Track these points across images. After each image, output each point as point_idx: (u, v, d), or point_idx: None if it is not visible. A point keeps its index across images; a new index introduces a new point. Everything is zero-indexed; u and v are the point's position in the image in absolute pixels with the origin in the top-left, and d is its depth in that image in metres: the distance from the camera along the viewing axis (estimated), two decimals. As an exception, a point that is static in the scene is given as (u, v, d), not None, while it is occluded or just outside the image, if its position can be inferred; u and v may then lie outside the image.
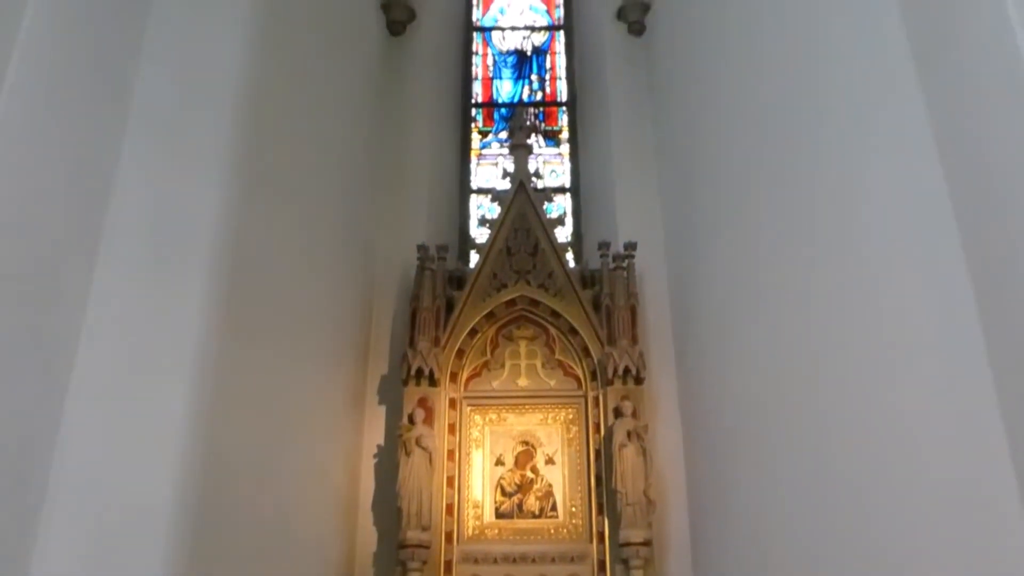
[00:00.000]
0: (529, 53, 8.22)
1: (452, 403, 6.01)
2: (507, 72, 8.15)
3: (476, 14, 8.40)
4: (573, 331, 6.17)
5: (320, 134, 6.00)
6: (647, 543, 5.46)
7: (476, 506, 5.86)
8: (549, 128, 7.85)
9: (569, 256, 6.55)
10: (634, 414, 5.72)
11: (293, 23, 5.72)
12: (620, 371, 5.85)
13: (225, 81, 4.81)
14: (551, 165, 7.65)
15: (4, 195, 3.45)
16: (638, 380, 5.87)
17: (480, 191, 7.53)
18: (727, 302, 5.80)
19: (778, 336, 5.08)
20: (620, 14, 7.60)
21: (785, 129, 5.35)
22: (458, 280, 6.40)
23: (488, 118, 7.97)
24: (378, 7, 7.49)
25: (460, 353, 6.12)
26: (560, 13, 8.38)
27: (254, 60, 5.04)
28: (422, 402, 5.84)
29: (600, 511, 5.71)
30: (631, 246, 6.38)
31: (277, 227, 5.11)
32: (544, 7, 8.45)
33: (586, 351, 6.10)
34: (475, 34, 8.31)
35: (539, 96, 8.06)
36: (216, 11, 4.97)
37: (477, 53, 8.23)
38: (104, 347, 3.88)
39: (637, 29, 7.55)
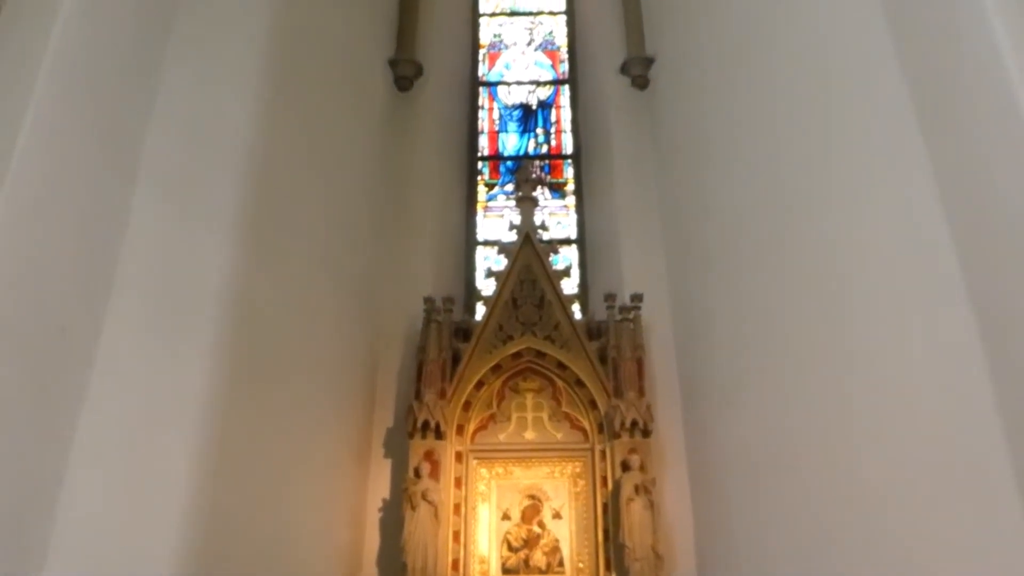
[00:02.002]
0: (534, 107, 8.30)
1: (458, 456, 5.95)
2: (513, 126, 8.23)
3: (482, 69, 8.51)
4: (580, 383, 6.13)
5: (327, 189, 6.09)
6: (656, 599, 5.36)
7: (482, 561, 5.78)
8: (555, 180, 7.90)
9: (575, 308, 6.49)
10: (641, 467, 5.65)
11: (301, 82, 5.86)
12: (627, 424, 5.80)
13: (233, 141, 4.94)
14: (557, 217, 7.67)
15: (14, 254, 3.51)
16: (645, 433, 5.81)
17: (486, 243, 7.54)
18: (734, 353, 5.79)
19: (786, 388, 5.08)
20: (623, 68, 7.70)
21: (790, 180, 5.40)
22: (464, 332, 6.37)
23: (494, 171, 8.02)
24: (385, 63, 7.63)
25: (466, 405, 6.08)
26: (565, 68, 8.47)
27: (262, 119, 5.17)
28: (428, 455, 5.79)
29: (608, 567, 5.62)
30: (637, 297, 6.37)
31: (283, 283, 5.17)
32: (549, 62, 8.55)
33: (593, 403, 6.05)
34: (481, 89, 8.39)
35: (544, 149, 8.12)
36: (225, 73, 5.10)
37: (483, 107, 8.31)
38: (109, 404, 3.88)
39: (640, 83, 7.64)
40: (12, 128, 3.58)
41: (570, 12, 8.70)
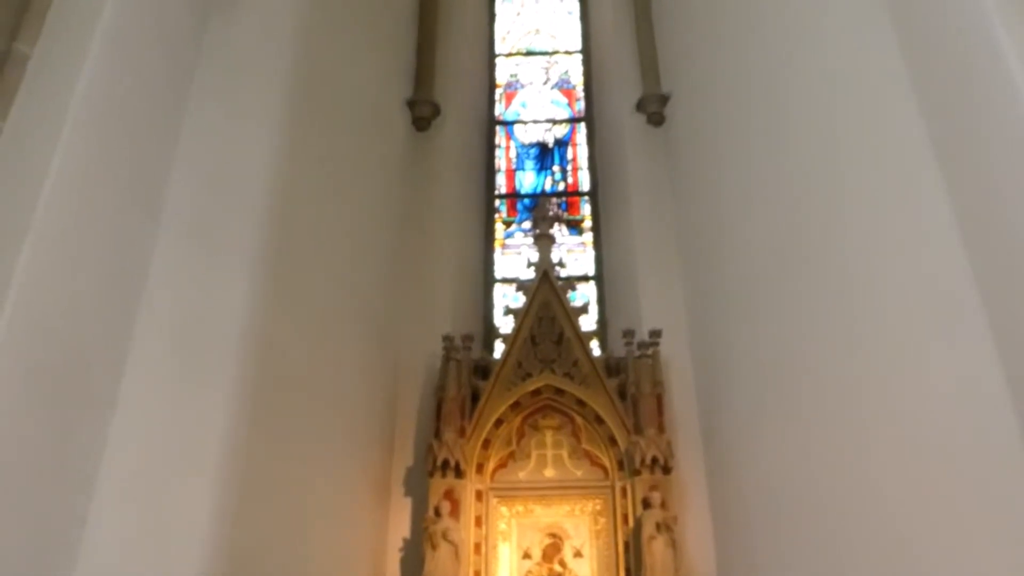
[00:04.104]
0: (551, 145, 8.37)
1: (478, 495, 5.92)
2: (530, 163, 8.30)
3: (499, 108, 8.61)
4: (599, 420, 6.09)
5: (347, 229, 6.16)
6: (679, 639, 5.29)
7: (504, 601, 5.73)
8: (572, 218, 7.93)
9: (594, 344, 6.49)
10: (663, 505, 5.59)
11: (321, 124, 5.98)
12: (648, 461, 5.75)
13: (255, 182, 5.03)
14: (575, 254, 7.69)
15: (40, 295, 3.58)
16: (666, 470, 5.76)
17: (504, 281, 7.57)
18: (754, 389, 5.77)
19: (807, 424, 5.07)
20: (639, 106, 7.75)
21: (808, 216, 5.44)
22: (483, 370, 6.37)
23: (512, 209, 8.09)
24: (403, 104, 7.71)
25: (486, 443, 6.06)
26: (581, 106, 8.56)
27: (283, 161, 5.26)
28: (448, 494, 5.75)
29: (630, 606, 5.55)
30: (656, 333, 6.34)
31: (304, 323, 5.21)
32: (565, 100, 8.64)
33: (613, 440, 6.02)
34: (498, 128, 8.49)
35: (562, 186, 8.17)
36: (247, 116, 5.20)
37: (500, 146, 8.40)
38: (131, 445, 3.93)
39: (656, 120, 7.69)
40: (39, 172, 3.69)
41: (585, 51, 8.81)
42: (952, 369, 3.86)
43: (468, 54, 8.52)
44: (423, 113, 7.77)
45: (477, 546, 5.76)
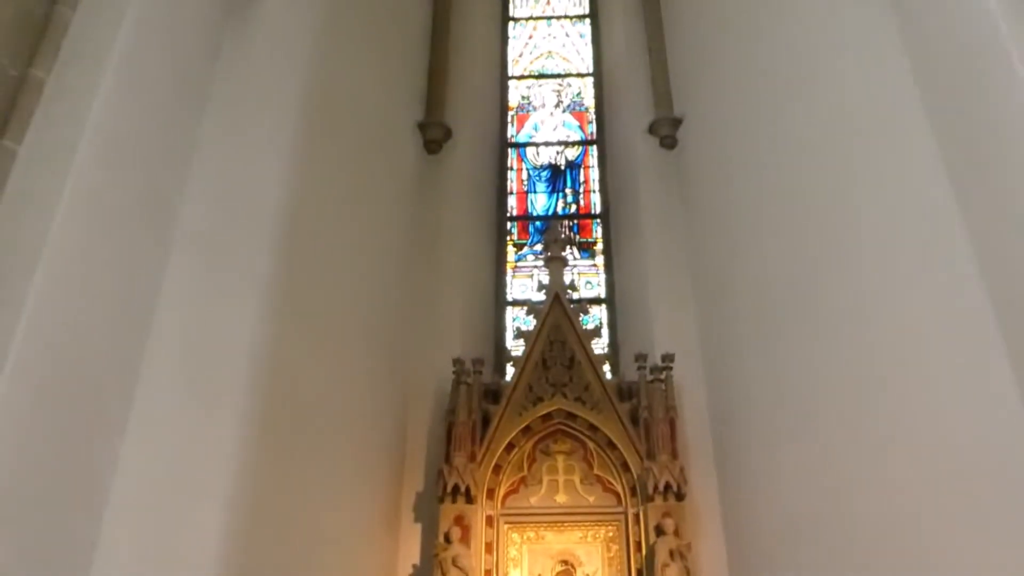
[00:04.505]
0: (563, 167, 8.41)
1: (489, 521, 5.88)
2: (541, 186, 8.33)
3: (511, 131, 8.66)
4: (611, 445, 6.05)
5: (358, 252, 6.18)
6: (692, 669, 5.23)
7: (515, 629, 5.67)
8: (583, 240, 7.95)
9: (606, 368, 6.49)
10: (676, 532, 5.54)
11: (332, 147, 6.01)
12: (661, 487, 5.70)
13: (266, 207, 5.07)
14: (586, 276, 7.70)
15: (50, 321, 3.59)
16: (679, 496, 5.71)
17: (515, 303, 7.57)
18: (769, 413, 5.75)
19: (824, 450, 5.04)
20: (651, 129, 7.77)
21: (822, 239, 5.43)
22: (494, 394, 6.35)
23: (523, 231, 8.11)
24: (415, 127, 7.75)
25: (497, 469, 6.03)
26: (592, 129, 8.59)
27: (294, 185, 5.30)
28: (458, 520, 5.70)
29: (643, 635, 5.49)
30: (668, 357, 6.31)
31: (315, 347, 5.22)
32: (576, 123, 8.67)
33: (625, 466, 5.98)
34: (510, 150, 8.54)
35: (573, 209, 8.19)
36: (259, 140, 5.24)
37: (512, 168, 8.43)
38: (141, 469, 3.93)
39: (669, 143, 7.70)
40: (53, 195, 3.72)
41: (597, 74, 8.86)
42: (971, 392, 3.83)
43: (480, 77, 8.57)
44: (435, 136, 7.81)
45: (488, 573, 5.72)
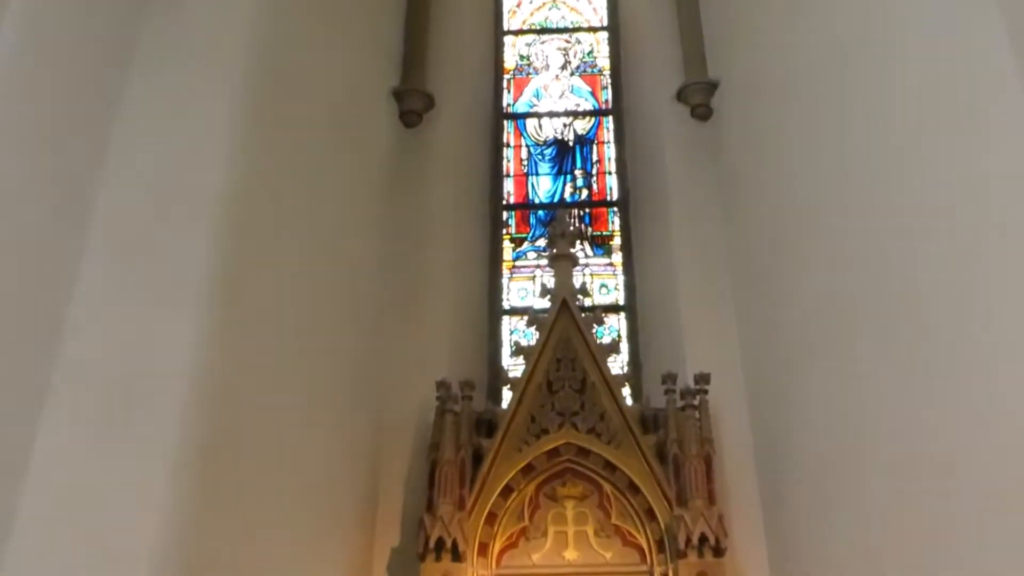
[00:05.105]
0: (572, 143, 8.41)
1: (482, 583, 5.88)
2: (545, 167, 8.33)
3: (507, 99, 8.65)
4: (633, 488, 6.02)
5: (318, 251, 6.14)
6: None
7: None
8: (597, 233, 7.96)
9: (626, 392, 6.50)
10: (714, 596, 5.55)
11: (286, 122, 5.98)
12: (694, 540, 5.66)
13: (203, 195, 5.01)
14: (601, 279, 7.72)
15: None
16: (717, 551, 5.67)
17: (513, 312, 7.58)
18: (830, 448, 5.73)
19: (899, 495, 5.01)
20: (681, 95, 7.77)
21: (893, 230, 5.37)
22: (487, 425, 6.34)
23: (523, 222, 8.13)
24: (389, 95, 7.75)
25: (491, 518, 5.99)
26: (608, 96, 8.60)
27: (238, 168, 5.27)
28: (444, 582, 5.73)
29: None
30: (703, 378, 6.28)
31: (262, 368, 5.18)
32: (588, 88, 8.68)
33: (650, 514, 5.94)
34: (506, 122, 8.54)
35: (584, 195, 8.20)
36: (196, 114, 5.25)
37: (509, 145, 8.43)
38: (44, 525, 3.86)
39: (702, 113, 7.71)
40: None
41: (614, 28, 8.86)
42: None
43: (468, 32, 8.55)
44: (413, 106, 7.79)
45: (481, 648, 5.72)
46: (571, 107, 8.58)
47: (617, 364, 6.71)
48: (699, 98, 7.69)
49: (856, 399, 5.51)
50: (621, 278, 7.71)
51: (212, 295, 4.90)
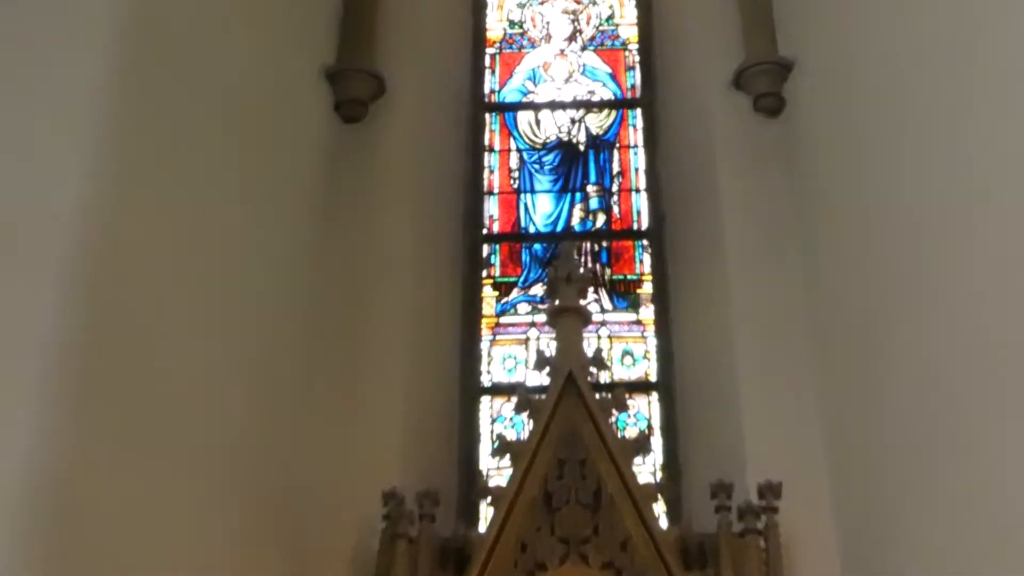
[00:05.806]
0: (582, 147, 8.40)
1: None
2: (544, 181, 8.38)
3: (490, 83, 8.64)
4: (670, 649, 5.92)
5: (219, 299, 6.11)
6: None
7: None
8: (619, 277, 8.01)
9: (658, 509, 6.48)
10: None
11: (175, 114, 6.03)
12: None
13: (55, 218, 5.14)
14: (624, 343, 7.72)
15: None
16: None
17: (496, 391, 7.58)
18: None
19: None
20: (738, 82, 7.86)
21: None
22: (457, 556, 6.29)
23: (511, 261, 8.15)
24: (320, 76, 7.85)
25: None
26: (635, 79, 8.63)
27: (107, 177, 5.42)
28: None
29: None
30: (772, 490, 6.23)
31: (131, 471, 5.12)
32: (608, 70, 8.74)
33: None
34: (488, 116, 8.61)
35: (601, 222, 8.22)
36: (53, 100, 5.45)
37: (492, 149, 8.48)
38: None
39: (770, 106, 7.82)
40: None
41: (645, -14, 8.73)
42: None
43: (433, -9, 8.46)
44: (356, 92, 7.90)
45: None
46: (583, 96, 8.70)
47: (647, 468, 6.77)
48: (765, 85, 7.81)
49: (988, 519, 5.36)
50: (653, 342, 7.75)
51: (58, 362, 4.95)
